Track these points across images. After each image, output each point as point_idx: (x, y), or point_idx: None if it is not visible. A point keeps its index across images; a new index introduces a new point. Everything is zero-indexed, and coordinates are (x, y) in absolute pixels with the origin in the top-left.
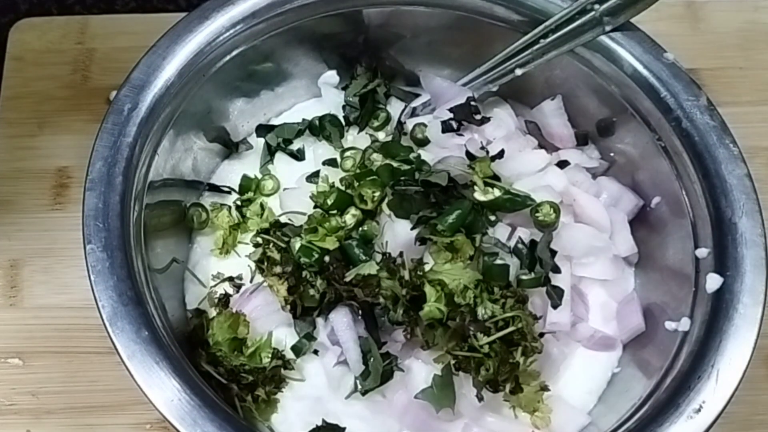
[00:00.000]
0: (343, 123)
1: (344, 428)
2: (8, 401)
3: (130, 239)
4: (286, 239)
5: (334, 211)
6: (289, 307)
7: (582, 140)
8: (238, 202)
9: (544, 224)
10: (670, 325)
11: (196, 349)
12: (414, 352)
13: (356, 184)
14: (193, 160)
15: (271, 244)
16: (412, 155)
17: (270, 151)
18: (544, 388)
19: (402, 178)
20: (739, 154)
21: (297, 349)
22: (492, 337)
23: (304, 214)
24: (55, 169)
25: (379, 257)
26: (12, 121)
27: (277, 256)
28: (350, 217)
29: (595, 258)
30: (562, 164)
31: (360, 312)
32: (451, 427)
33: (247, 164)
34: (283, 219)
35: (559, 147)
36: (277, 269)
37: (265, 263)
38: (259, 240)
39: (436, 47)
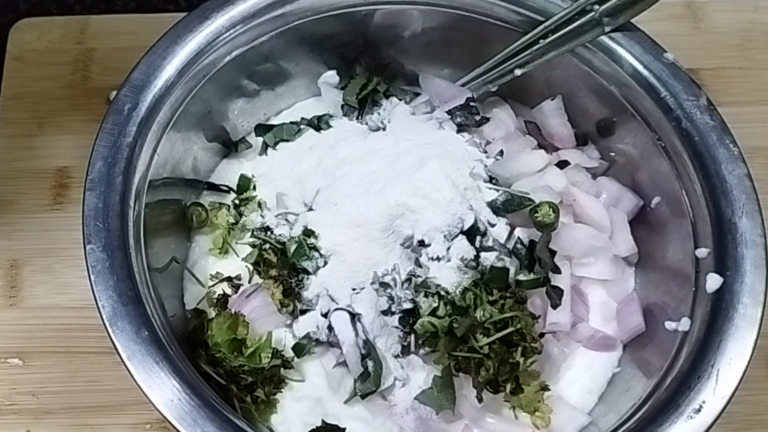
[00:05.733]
0: None
1: (344, 429)
2: (8, 401)
3: (129, 239)
4: (282, 241)
5: None
6: (285, 309)
7: (582, 140)
8: (236, 201)
9: (543, 224)
10: (670, 325)
11: (196, 349)
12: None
13: None
14: (193, 160)
15: (267, 245)
16: None
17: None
18: (545, 388)
19: None
20: (739, 154)
21: (299, 348)
22: (491, 338)
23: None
24: (55, 169)
25: None
26: (12, 121)
27: (273, 258)
28: None
29: (595, 258)
30: (562, 164)
31: (359, 314)
32: (452, 428)
33: (246, 163)
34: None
35: (559, 147)
36: (273, 272)
37: (261, 265)
38: (255, 240)
39: (436, 47)
